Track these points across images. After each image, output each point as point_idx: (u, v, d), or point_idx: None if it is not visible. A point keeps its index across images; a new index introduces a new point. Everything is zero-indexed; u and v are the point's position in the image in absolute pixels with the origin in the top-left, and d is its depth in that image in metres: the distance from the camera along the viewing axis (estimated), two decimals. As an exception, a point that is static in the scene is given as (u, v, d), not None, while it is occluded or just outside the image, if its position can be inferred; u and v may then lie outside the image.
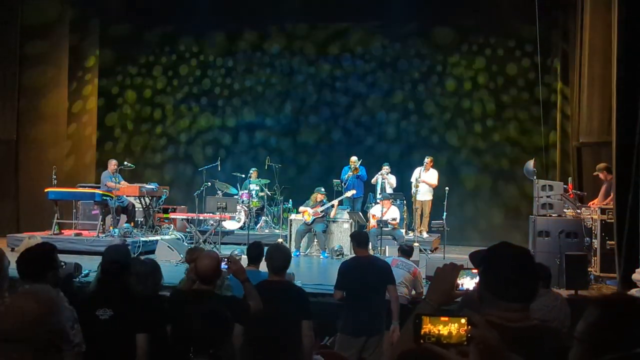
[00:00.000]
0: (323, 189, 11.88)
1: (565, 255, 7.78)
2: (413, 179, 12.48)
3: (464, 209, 13.91)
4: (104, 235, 11.13)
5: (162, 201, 12.43)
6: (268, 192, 13.75)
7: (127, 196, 11.74)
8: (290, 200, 13.68)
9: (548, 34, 12.89)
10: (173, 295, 4.30)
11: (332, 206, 11.72)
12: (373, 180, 12.79)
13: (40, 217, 12.49)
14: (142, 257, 4.88)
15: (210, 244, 10.99)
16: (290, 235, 11.82)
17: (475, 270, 2.21)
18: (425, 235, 12.52)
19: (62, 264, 3.74)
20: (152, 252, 10.53)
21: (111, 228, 11.37)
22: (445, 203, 11.24)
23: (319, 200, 11.63)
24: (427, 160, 12.53)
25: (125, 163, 12.26)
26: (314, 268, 10.76)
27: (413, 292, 7.04)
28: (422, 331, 1.68)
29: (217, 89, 15.94)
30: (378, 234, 10.84)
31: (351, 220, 11.62)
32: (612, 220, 7.93)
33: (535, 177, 9.21)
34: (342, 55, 15.39)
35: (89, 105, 15.01)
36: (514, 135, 14.25)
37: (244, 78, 15.81)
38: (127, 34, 15.75)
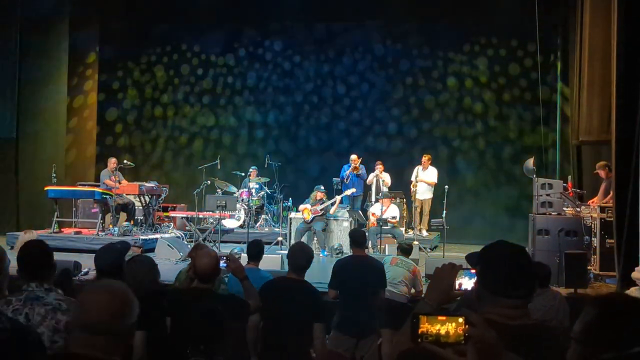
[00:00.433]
0: (323, 187, 11.87)
1: (565, 253, 7.77)
2: (412, 178, 12.49)
3: (463, 207, 13.91)
4: (103, 233, 11.14)
5: (161, 199, 12.43)
6: (268, 191, 13.75)
7: (126, 194, 11.74)
8: (290, 198, 13.68)
9: (548, 33, 12.87)
10: (172, 293, 4.30)
11: (333, 204, 11.71)
12: (369, 181, 12.74)
13: (39, 215, 12.51)
14: (134, 254, 4.85)
15: (210, 242, 10.99)
16: (290, 233, 11.82)
17: (474, 270, 2.21)
18: (424, 233, 12.52)
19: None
20: (152, 250, 10.53)
21: (110, 226, 11.38)
22: (445, 201, 11.24)
23: (318, 198, 11.62)
24: (424, 158, 12.53)
25: (125, 162, 12.27)
26: (314, 266, 10.56)
27: (412, 290, 7.04)
28: (420, 330, 1.68)
29: (217, 86, 15.93)
30: (378, 232, 10.84)
31: (351, 219, 11.62)
32: (612, 219, 7.92)
33: (534, 176, 9.21)
34: (342, 53, 15.38)
35: (89, 100, 14.99)
36: (513, 133, 14.25)
37: (244, 76, 15.81)
38: (128, 30, 15.73)
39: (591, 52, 9.81)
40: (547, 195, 8.71)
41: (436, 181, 12.49)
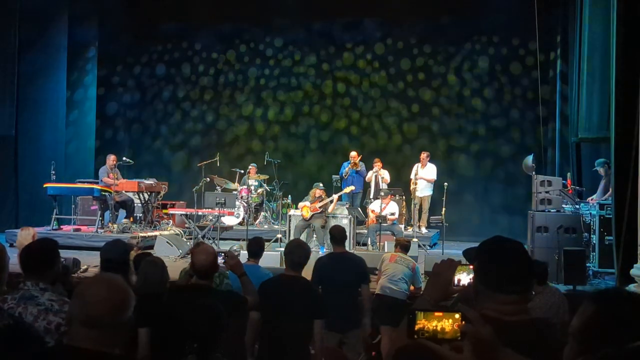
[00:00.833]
0: (321, 185, 11.86)
1: (564, 250, 7.78)
2: (412, 175, 12.49)
3: (463, 204, 13.91)
4: (102, 230, 11.14)
5: (160, 197, 12.43)
6: (267, 188, 13.74)
7: (126, 191, 11.74)
8: (290, 195, 13.69)
9: (548, 30, 12.86)
10: (170, 289, 4.30)
11: (331, 201, 11.71)
12: (367, 178, 12.74)
13: (39, 212, 12.51)
14: (142, 252, 4.87)
15: (209, 239, 10.99)
16: (289, 230, 11.81)
17: (472, 267, 2.21)
18: (424, 230, 12.52)
19: (62, 260, 3.75)
20: (151, 247, 10.53)
21: (110, 224, 11.38)
22: (444, 199, 11.25)
23: (317, 195, 11.61)
24: (423, 155, 12.54)
25: (124, 159, 12.27)
26: (313, 263, 10.73)
27: (412, 287, 7.04)
28: (417, 327, 1.68)
29: (217, 83, 15.92)
30: (377, 229, 10.84)
31: (350, 216, 11.62)
32: (611, 216, 7.93)
33: (534, 173, 9.21)
34: (343, 50, 15.37)
35: (90, 94, 14.93)
36: (513, 130, 14.24)
37: (244, 73, 15.79)
38: (128, 24, 15.70)
39: (590, 49, 9.81)
40: (546, 192, 8.71)
41: (435, 178, 12.49)
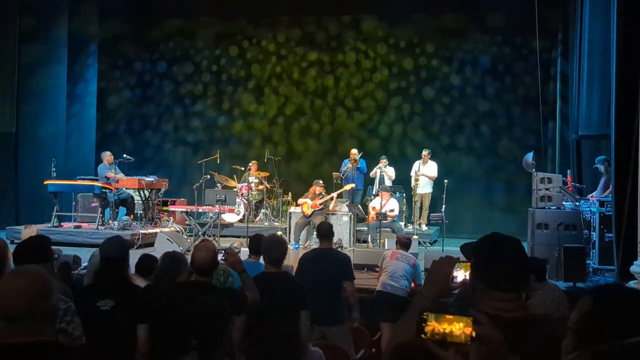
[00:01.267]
0: (321, 182, 11.87)
1: (564, 247, 7.78)
2: (412, 173, 12.50)
3: (463, 201, 13.91)
4: (103, 227, 11.15)
5: (161, 194, 12.44)
6: (267, 185, 13.75)
7: (126, 188, 11.75)
8: (290, 192, 13.71)
9: (548, 26, 12.86)
10: (170, 286, 4.31)
11: (331, 199, 11.72)
12: (372, 174, 12.80)
13: (39, 209, 12.52)
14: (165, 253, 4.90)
15: (210, 236, 10.99)
16: (290, 227, 11.83)
17: (469, 264, 2.21)
18: (424, 227, 12.53)
19: (56, 255, 3.76)
20: (152, 244, 10.55)
21: (110, 221, 11.39)
22: (444, 196, 11.25)
23: (317, 192, 11.63)
24: (424, 153, 12.55)
25: (125, 156, 12.27)
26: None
27: (412, 284, 7.05)
28: (427, 328, 1.67)
29: (218, 79, 15.92)
30: (377, 226, 10.85)
31: (350, 213, 11.63)
32: (611, 213, 7.93)
33: (534, 170, 9.22)
34: (342, 48, 15.36)
35: (90, 88, 14.89)
36: (513, 127, 14.24)
37: (246, 68, 15.78)
38: (129, 19, 15.68)
39: (591, 45, 9.80)
40: (547, 189, 8.71)
41: (436, 175, 12.50)
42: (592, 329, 1.66)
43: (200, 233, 11.05)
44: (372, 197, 12.30)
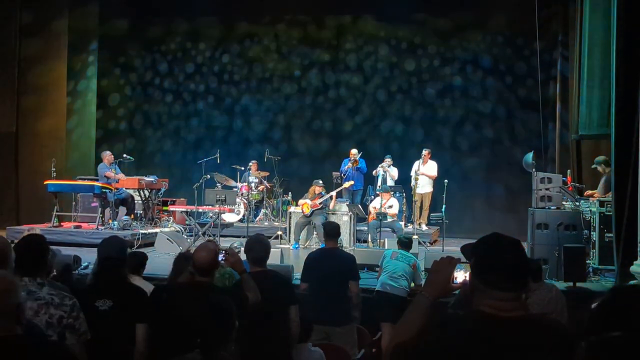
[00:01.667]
0: (321, 181, 11.88)
1: (564, 247, 7.78)
2: (412, 172, 12.51)
3: (463, 201, 13.93)
4: (103, 227, 11.15)
5: (161, 193, 12.44)
6: (267, 185, 13.76)
7: (126, 188, 11.75)
8: (290, 192, 13.71)
9: (548, 26, 12.87)
10: (171, 286, 4.32)
11: (331, 198, 11.73)
12: (374, 172, 12.81)
13: (39, 209, 12.52)
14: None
15: (210, 236, 10.99)
16: (290, 227, 11.83)
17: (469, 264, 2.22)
18: (424, 227, 12.53)
19: (50, 252, 3.79)
20: (152, 244, 10.56)
21: (110, 221, 11.39)
22: (444, 196, 11.26)
23: (317, 192, 11.63)
24: (424, 152, 12.55)
25: (125, 155, 12.28)
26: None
27: (412, 284, 7.06)
28: None
29: (219, 78, 15.91)
30: (377, 226, 10.85)
31: (350, 213, 11.63)
32: (611, 213, 7.93)
33: (534, 170, 9.22)
34: (343, 48, 15.37)
35: (92, 85, 14.89)
36: (513, 127, 14.24)
37: (246, 69, 15.78)
38: (130, 16, 15.70)
39: (591, 45, 9.80)
40: (547, 189, 8.71)
41: (436, 174, 12.51)
42: (601, 319, 1.69)
43: (200, 233, 11.05)
44: (372, 197, 12.31)
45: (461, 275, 2.26)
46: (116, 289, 3.84)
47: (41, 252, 3.50)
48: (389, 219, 11.21)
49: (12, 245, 3.53)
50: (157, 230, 11.21)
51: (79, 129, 14.46)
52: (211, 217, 12.02)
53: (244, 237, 10.54)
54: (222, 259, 4.31)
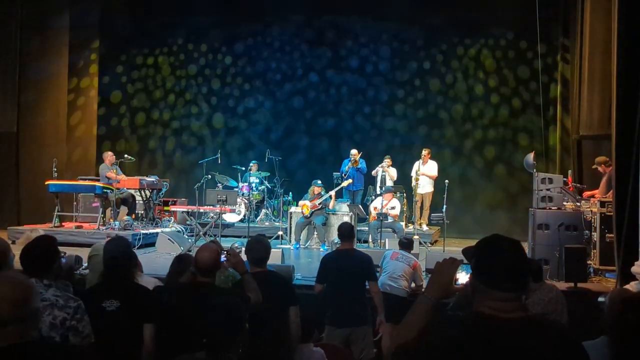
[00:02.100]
0: (320, 182, 11.90)
1: (565, 248, 7.78)
2: (413, 173, 12.52)
3: (464, 202, 13.93)
4: (104, 227, 11.16)
5: (162, 194, 12.45)
6: (268, 185, 13.77)
7: (127, 188, 11.76)
8: (290, 192, 13.71)
9: (549, 27, 12.87)
10: (172, 286, 4.32)
11: (330, 197, 11.73)
12: (373, 172, 12.82)
13: (41, 209, 12.53)
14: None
15: (211, 236, 11.00)
16: (290, 227, 11.84)
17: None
18: (425, 228, 12.53)
19: (63, 253, 3.78)
20: (153, 244, 10.57)
21: (111, 220, 11.40)
22: (445, 196, 11.26)
23: (316, 193, 11.65)
24: (424, 152, 12.57)
25: (126, 156, 12.29)
26: (314, 260, 10.77)
27: (412, 284, 7.07)
28: None
29: (219, 79, 15.92)
30: (378, 226, 10.85)
31: (351, 213, 11.64)
32: (612, 213, 7.93)
33: (535, 170, 9.22)
34: (344, 48, 15.37)
35: (94, 83, 14.89)
36: (514, 127, 14.24)
37: (246, 69, 15.78)
38: (132, 14, 15.69)
39: (592, 46, 9.81)
40: (547, 189, 8.72)
41: (436, 174, 12.52)
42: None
43: (201, 233, 11.06)
44: (374, 197, 12.31)
45: (463, 277, 2.27)
46: (123, 289, 3.84)
47: (51, 255, 3.50)
48: (390, 220, 11.21)
49: (24, 245, 3.53)
50: (158, 230, 11.22)
51: (81, 126, 14.46)
52: (212, 217, 12.03)
53: (244, 237, 10.57)
54: (223, 260, 4.31)
